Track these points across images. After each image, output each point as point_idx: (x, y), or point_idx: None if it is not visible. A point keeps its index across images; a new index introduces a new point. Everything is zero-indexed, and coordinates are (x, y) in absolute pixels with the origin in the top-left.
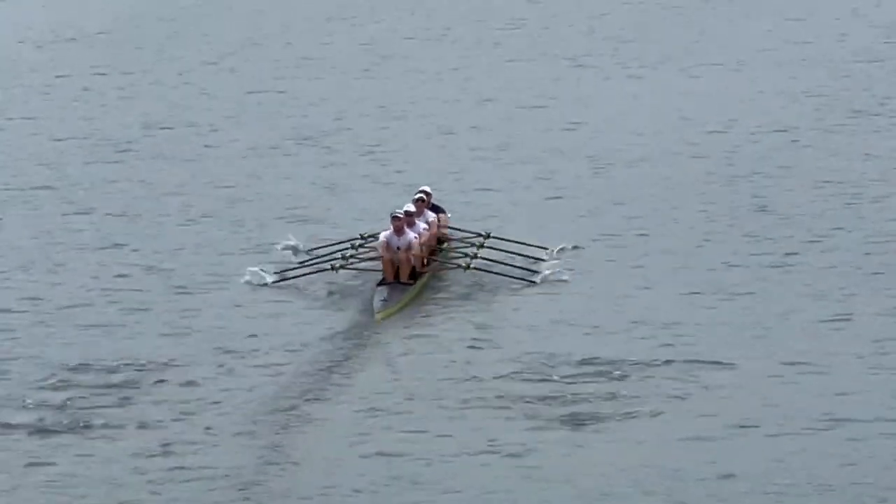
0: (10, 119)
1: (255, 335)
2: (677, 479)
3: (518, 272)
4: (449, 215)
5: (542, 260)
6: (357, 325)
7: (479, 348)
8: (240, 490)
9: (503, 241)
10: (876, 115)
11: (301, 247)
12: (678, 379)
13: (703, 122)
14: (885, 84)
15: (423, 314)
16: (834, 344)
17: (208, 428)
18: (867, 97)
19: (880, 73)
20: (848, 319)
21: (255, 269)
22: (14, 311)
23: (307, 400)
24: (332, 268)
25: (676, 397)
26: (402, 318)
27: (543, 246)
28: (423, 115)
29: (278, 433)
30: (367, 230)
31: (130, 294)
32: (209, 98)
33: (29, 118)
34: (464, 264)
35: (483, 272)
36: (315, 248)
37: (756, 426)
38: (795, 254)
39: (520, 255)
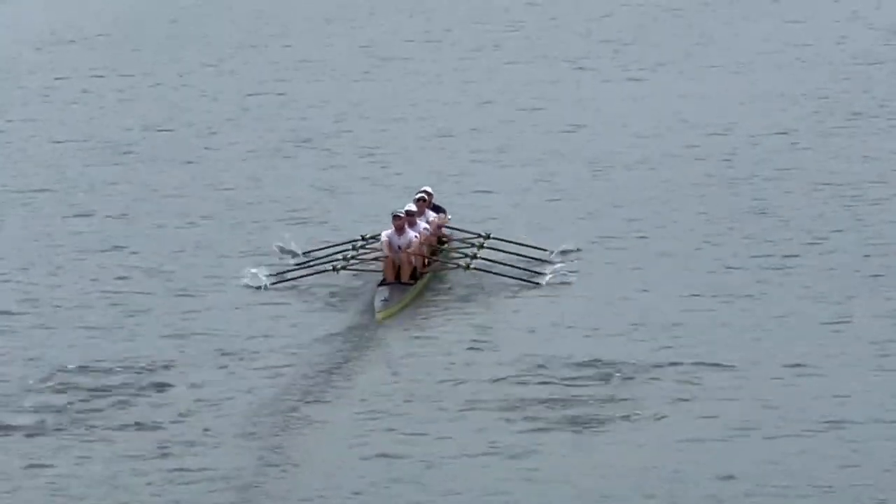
0: (10, 121)
1: (255, 336)
2: (678, 481)
3: (518, 273)
4: (449, 217)
5: (543, 261)
6: (358, 326)
7: (480, 349)
8: (240, 491)
9: (503, 242)
10: (875, 117)
11: (301, 248)
12: (678, 381)
13: (702, 124)
14: (884, 86)
15: (424, 314)
16: (834, 346)
17: (209, 429)
18: (867, 99)
19: (880, 76)
20: (847, 322)
21: (256, 270)
22: (14, 313)
23: (308, 401)
24: (334, 268)
25: (676, 399)
26: (402, 318)
27: (543, 247)
28: (423, 117)
29: (278, 434)
30: (367, 231)
31: (131, 296)
32: (209, 100)
33: (28, 120)
34: (464, 264)
35: (483, 272)
36: (316, 250)
37: (756, 428)
38: (795, 256)
39: (520, 256)
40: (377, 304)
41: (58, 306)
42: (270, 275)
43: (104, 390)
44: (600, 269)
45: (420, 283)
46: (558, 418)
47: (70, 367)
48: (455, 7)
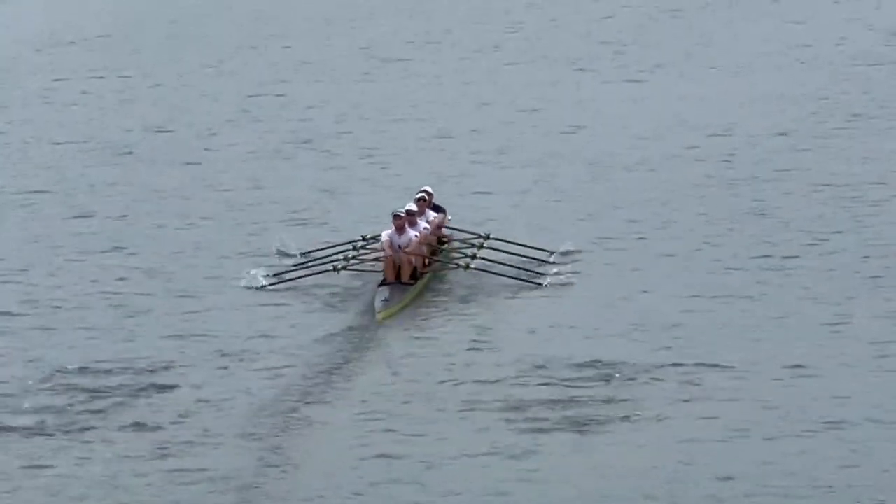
0: (10, 122)
1: (256, 337)
2: (678, 482)
3: (518, 273)
4: (449, 217)
5: (542, 262)
6: (358, 326)
7: (480, 350)
8: (240, 492)
9: (503, 243)
10: (875, 118)
11: (301, 249)
12: (678, 382)
13: (702, 125)
14: (884, 87)
15: (425, 314)
16: (833, 347)
17: (209, 430)
18: (866, 101)
19: (879, 77)
20: (847, 322)
21: (256, 271)
22: (13, 314)
23: (308, 402)
24: (334, 269)
25: (677, 400)
26: (403, 318)
27: (543, 248)
28: (423, 118)
29: (279, 435)
30: (367, 232)
31: (131, 297)
32: (209, 101)
33: (28, 121)
34: (463, 264)
35: (483, 272)
36: (316, 250)
37: (756, 429)
38: (795, 257)
39: (520, 256)
40: (377, 304)
41: (57, 307)
42: (270, 275)
43: (104, 391)
44: (600, 269)
45: (420, 283)
46: (558, 419)
47: (70, 367)
48: (455, 8)
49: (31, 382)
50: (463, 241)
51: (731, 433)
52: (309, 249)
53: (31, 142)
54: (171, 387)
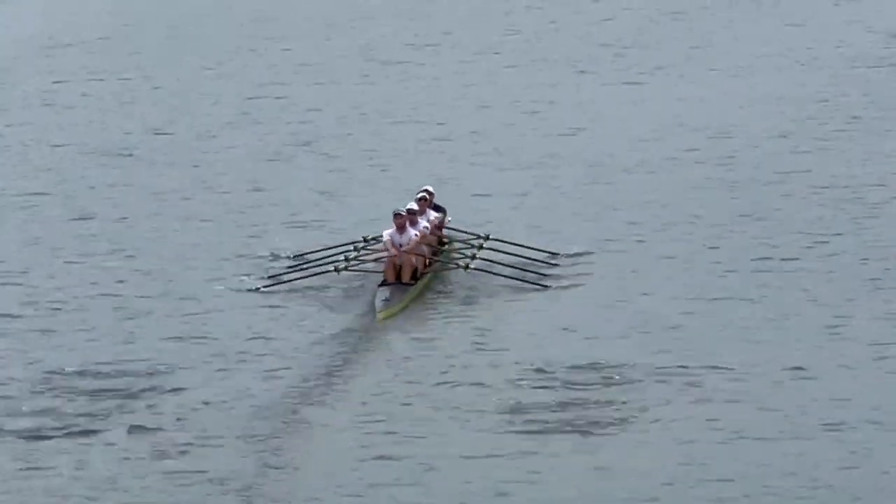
0: (9, 125)
1: (257, 338)
2: (679, 484)
3: (517, 274)
4: (449, 218)
5: (542, 263)
6: (359, 326)
7: (480, 351)
8: (240, 494)
9: (502, 244)
10: (875, 120)
11: (301, 251)
12: (679, 384)
13: (702, 127)
14: (884, 90)
15: (425, 315)
16: (834, 349)
17: (210, 432)
18: (866, 103)
19: (879, 79)
20: (847, 325)
21: (257, 272)
22: (13, 316)
23: (308, 403)
24: (336, 269)
25: (677, 402)
26: (403, 318)
27: (543, 249)
28: (423, 120)
29: (279, 436)
30: (368, 233)
31: (132, 299)
32: (208, 103)
33: (27, 123)
34: (463, 265)
35: (483, 273)
36: (317, 251)
37: (758, 431)
38: (796, 259)
39: (519, 257)
40: (378, 304)
41: (57, 309)
42: (271, 276)
43: (104, 393)
44: (600, 271)
45: (420, 284)
46: (558, 420)
47: (69, 369)
48: (455, 10)
49: (30, 384)
50: (462, 241)
51: (731, 435)
52: (309, 251)
53: (31, 143)
54: (171, 388)
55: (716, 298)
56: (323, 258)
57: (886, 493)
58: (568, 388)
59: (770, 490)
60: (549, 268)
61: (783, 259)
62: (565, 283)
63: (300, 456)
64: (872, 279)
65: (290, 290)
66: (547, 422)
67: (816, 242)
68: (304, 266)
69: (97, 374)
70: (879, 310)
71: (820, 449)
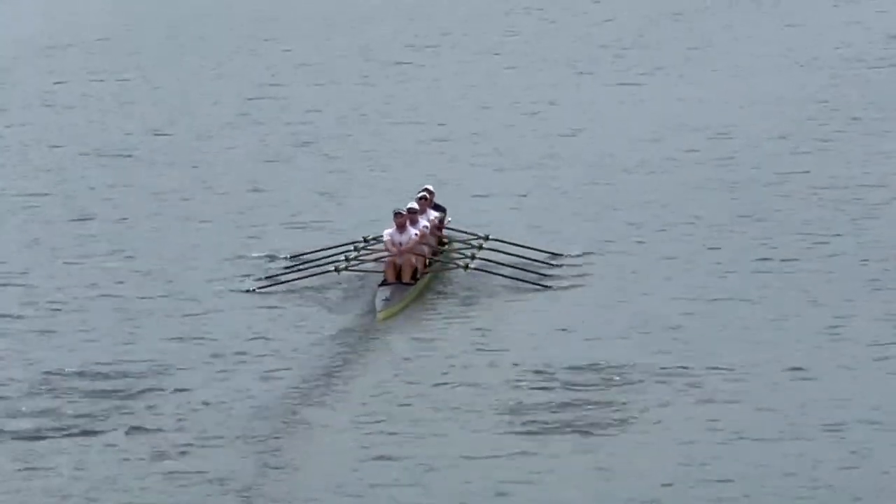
0: (9, 125)
1: (257, 338)
2: (679, 485)
3: (516, 274)
4: (449, 218)
5: (541, 263)
6: (359, 326)
7: (481, 351)
8: (241, 495)
9: (502, 244)
10: (875, 121)
11: (301, 251)
12: (679, 385)
13: (702, 128)
14: (884, 91)
15: (425, 315)
16: (834, 350)
17: (210, 432)
18: (866, 104)
19: (879, 80)
20: (848, 326)
21: (257, 273)
22: (12, 317)
23: (308, 403)
24: (336, 269)
25: (677, 403)
26: (403, 318)
27: (542, 249)
28: (423, 121)
29: (279, 437)
30: (368, 233)
31: (132, 300)
32: (208, 104)
33: (27, 124)
34: (462, 265)
35: (483, 273)
36: (318, 251)
37: (757, 432)
38: (797, 260)
39: (518, 257)
40: (378, 304)
41: (56, 310)
42: (272, 276)
43: (104, 394)
44: (600, 271)
45: (420, 284)
46: (558, 420)
47: (68, 370)
48: (455, 11)
49: (29, 384)
50: (462, 241)
51: (731, 435)
52: (309, 251)
53: (31, 144)
54: (172, 389)
55: (715, 299)
56: (323, 258)
57: (887, 493)
58: (567, 388)
59: (770, 491)
60: (548, 268)
61: (783, 260)
62: (565, 283)
63: (300, 456)
64: (872, 280)
65: (290, 291)
66: (546, 422)
67: (816, 243)
68: (305, 266)
69: (97, 375)
70: (879, 310)
71: (820, 449)
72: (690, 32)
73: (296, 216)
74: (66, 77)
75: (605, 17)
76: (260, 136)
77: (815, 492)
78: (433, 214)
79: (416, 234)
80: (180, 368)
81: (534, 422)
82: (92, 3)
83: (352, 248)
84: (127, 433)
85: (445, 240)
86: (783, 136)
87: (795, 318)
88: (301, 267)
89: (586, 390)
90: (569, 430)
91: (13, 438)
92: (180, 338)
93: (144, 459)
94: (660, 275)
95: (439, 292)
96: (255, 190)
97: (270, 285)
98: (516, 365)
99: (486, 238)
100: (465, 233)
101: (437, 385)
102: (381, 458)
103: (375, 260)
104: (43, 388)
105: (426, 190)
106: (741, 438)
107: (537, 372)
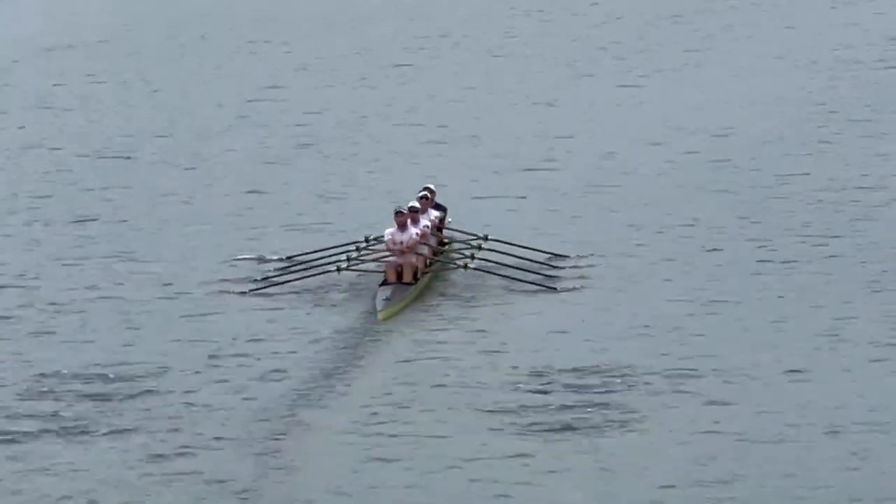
0: (9, 127)
1: (257, 338)
2: (679, 486)
3: (515, 274)
4: (449, 219)
5: (541, 263)
6: (359, 326)
7: (481, 350)
8: (241, 496)
9: (501, 244)
10: (874, 122)
11: (302, 251)
12: (679, 386)
13: (702, 129)
14: (883, 92)
15: (426, 314)
16: (835, 352)
17: (210, 433)
18: (865, 105)
19: (878, 81)
20: (848, 327)
21: (257, 273)
22: (11, 318)
23: (309, 403)
24: (337, 269)
25: (678, 405)
26: (404, 318)
27: (541, 249)
28: (423, 123)
29: (279, 437)
30: (370, 234)
31: (133, 302)
32: (208, 106)
33: (26, 126)
34: (462, 265)
35: (482, 273)
36: (319, 251)
37: (758, 434)
38: (797, 261)
39: (517, 257)
40: (379, 303)
41: (55, 311)
42: (273, 277)
43: (105, 395)
44: (600, 272)
45: (421, 283)
46: (559, 421)
47: (66, 372)
48: (455, 12)
49: (27, 386)
50: (461, 241)
51: (732, 437)
52: (310, 251)
53: (30, 146)
54: (171, 390)
55: (715, 300)
56: (325, 258)
57: (887, 494)
58: (567, 388)
59: (770, 492)
60: (547, 268)
61: (783, 261)
62: (565, 283)
63: (300, 457)
64: (872, 281)
65: (291, 291)
66: (546, 423)
67: (816, 245)
68: (306, 266)
69: (96, 376)
70: (879, 311)
71: (820, 450)
72: (690, 34)
73: (296, 217)
74: (65, 78)
75: (605, 19)
76: (260, 137)
77: (815, 493)
78: (434, 214)
79: (417, 234)
80: (180, 369)
81: (533, 422)
82: (92, 5)
83: (353, 248)
84: (127, 435)
85: (446, 240)
86: (782, 137)
87: (795, 319)
88: (302, 267)
89: (586, 391)
90: (568, 430)
91: (12, 440)
92: (181, 338)
93: (144, 461)
94: (659, 276)
95: (440, 292)
96: (255, 191)
97: (271, 286)
98: (516, 365)
99: (486, 238)
100: (465, 233)
101: (437, 385)
102: (381, 458)
103: (377, 260)
104: (41, 389)
105: (427, 189)
106: (742, 440)
107: (537, 372)
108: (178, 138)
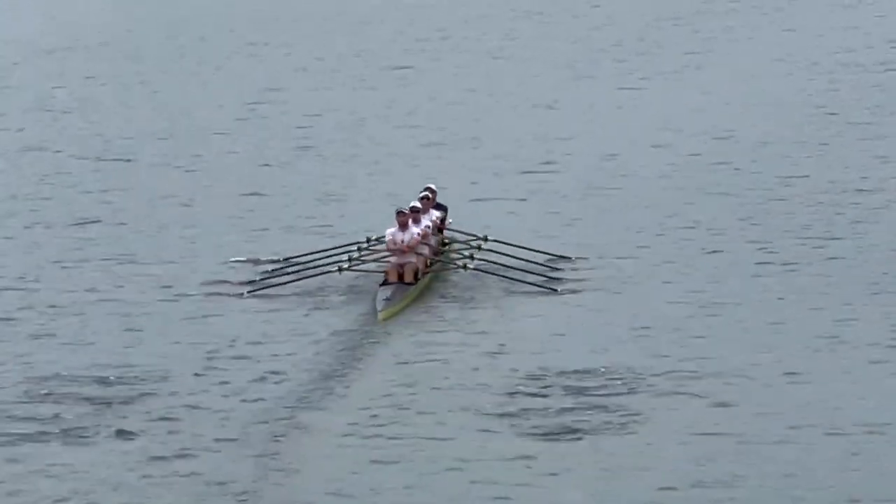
0: (8, 129)
1: (258, 338)
2: (679, 487)
3: (515, 274)
4: (450, 220)
5: (540, 263)
6: (360, 326)
7: (481, 351)
8: (241, 497)
9: (501, 244)
10: (874, 125)
11: (303, 251)
12: (679, 388)
13: (703, 132)
14: (884, 94)
15: (426, 315)
16: (836, 353)
17: (209, 435)
18: (866, 107)
19: (879, 84)
20: (848, 329)
21: (258, 273)
22: (10, 320)
23: (309, 402)
24: (339, 269)
25: (677, 407)
26: (404, 318)
27: (541, 250)
28: (423, 125)
29: (279, 438)
30: (371, 234)
31: (133, 303)
32: (208, 107)
33: (26, 127)
34: (461, 265)
35: (482, 273)
36: (320, 251)
37: (758, 435)
38: (798, 263)
39: (517, 258)
40: (379, 303)
41: (54, 313)
42: (273, 278)
43: (105, 396)
44: (600, 272)
45: (421, 283)
46: (559, 422)
47: (65, 374)
48: (455, 14)
49: (26, 388)
50: (461, 242)
51: (732, 439)
52: (311, 251)
53: (30, 148)
54: (171, 392)
55: (715, 302)
56: (326, 259)
57: (887, 494)
58: (567, 389)
59: (770, 493)
60: (548, 269)
61: (784, 263)
62: (564, 284)
63: (300, 458)
64: (872, 283)
65: (291, 292)
66: (546, 423)
67: (816, 247)
68: (307, 267)
69: (96, 378)
70: (879, 313)
71: (820, 451)
72: (690, 36)
73: (295, 219)
74: (65, 80)
75: (605, 21)
76: (260, 139)
77: (815, 493)
78: (435, 214)
79: (418, 233)
80: (181, 371)
81: (534, 424)
82: (92, 6)
83: (355, 248)
84: (126, 436)
85: (446, 240)
86: (782, 139)
87: (795, 321)
88: (303, 268)
89: (586, 392)
90: (569, 432)
91: (12, 441)
92: (181, 340)
93: (143, 463)
94: (659, 277)
95: (440, 293)
96: (256, 193)
97: (271, 286)
98: (516, 366)
99: (485, 239)
100: (465, 233)
101: (436, 386)
102: (380, 460)
103: (378, 260)
104: (40, 391)
105: (428, 189)
106: (742, 441)
107: (537, 373)
108: (177, 140)
